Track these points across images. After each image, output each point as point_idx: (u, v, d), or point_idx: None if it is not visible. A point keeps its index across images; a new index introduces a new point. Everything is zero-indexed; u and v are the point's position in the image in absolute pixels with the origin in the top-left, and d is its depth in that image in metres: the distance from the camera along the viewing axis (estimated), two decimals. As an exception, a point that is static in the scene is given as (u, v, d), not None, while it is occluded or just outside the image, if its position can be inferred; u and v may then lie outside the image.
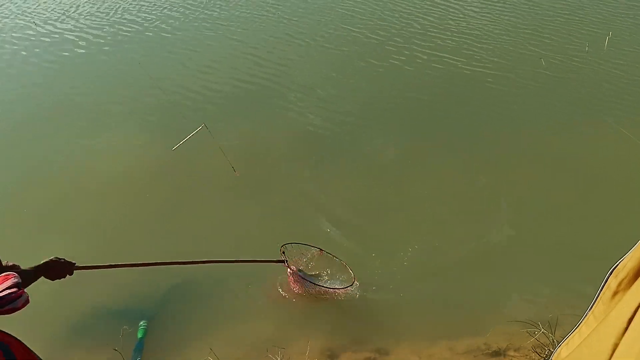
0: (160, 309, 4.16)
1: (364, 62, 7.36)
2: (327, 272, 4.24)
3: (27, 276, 2.23)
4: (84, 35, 8.25)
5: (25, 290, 1.97)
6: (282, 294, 4.15)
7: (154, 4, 9.18)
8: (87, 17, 8.82)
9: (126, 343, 3.75)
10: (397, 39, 7.86)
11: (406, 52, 7.48)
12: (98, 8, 9.12)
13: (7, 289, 1.89)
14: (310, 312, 4.10)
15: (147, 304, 4.18)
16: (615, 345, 1.06)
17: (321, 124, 6.13)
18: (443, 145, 5.79)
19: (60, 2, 9.43)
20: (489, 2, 8.89)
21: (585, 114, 6.18)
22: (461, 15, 8.50)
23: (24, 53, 7.87)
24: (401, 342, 3.86)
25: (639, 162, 5.28)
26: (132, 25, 8.50)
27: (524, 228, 4.70)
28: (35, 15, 9.00)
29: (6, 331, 2.12)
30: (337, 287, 4.09)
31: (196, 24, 8.52)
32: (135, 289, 4.23)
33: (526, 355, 3.58)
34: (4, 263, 2.22)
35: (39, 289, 2.23)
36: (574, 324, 1.26)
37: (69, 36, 8.28)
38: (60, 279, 2.47)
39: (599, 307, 1.17)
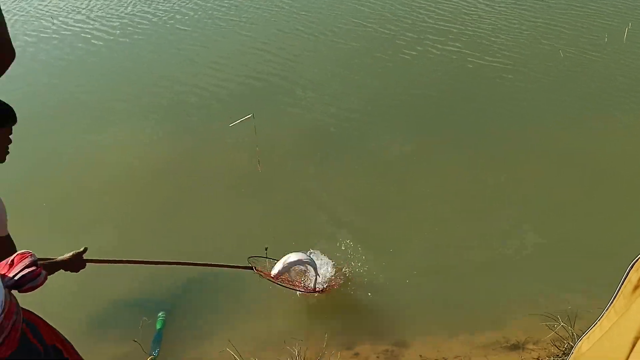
0: (178, 300, 4.19)
1: (372, 57, 7.23)
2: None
3: (52, 267, 2.24)
4: (97, 34, 8.28)
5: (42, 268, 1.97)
6: None
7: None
8: (98, 14, 8.84)
9: (145, 334, 3.78)
10: (409, 34, 7.71)
11: (418, 48, 7.34)
12: (109, 4, 9.14)
13: (25, 267, 1.90)
14: (327, 306, 4.11)
15: (165, 296, 4.21)
16: (636, 339, 1.07)
17: (327, 120, 6.05)
18: (449, 142, 5.68)
19: (68, 1, 9.46)
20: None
21: (595, 109, 6.01)
22: (473, 9, 8.32)
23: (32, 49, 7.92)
24: (418, 336, 3.85)
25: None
26: (142, 22, 8.51)
27: (539, 225, 4.62)
28: (47, 12, 9.05)
29: (33, 311, 2.11)
30: (307, 289, 4.06)
31: (207, 20, 8.48)
32: (153, 281, 4.25)
33: (545, 348, 3.52)
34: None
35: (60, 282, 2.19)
36: (593, 318, 1.25)
37: (81, 34, 8.32)
38: (78, 271, 2.45)
39: (619, 300, 1.17)
